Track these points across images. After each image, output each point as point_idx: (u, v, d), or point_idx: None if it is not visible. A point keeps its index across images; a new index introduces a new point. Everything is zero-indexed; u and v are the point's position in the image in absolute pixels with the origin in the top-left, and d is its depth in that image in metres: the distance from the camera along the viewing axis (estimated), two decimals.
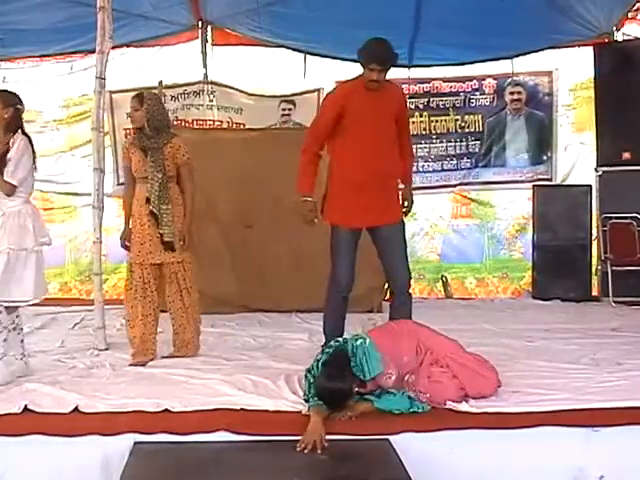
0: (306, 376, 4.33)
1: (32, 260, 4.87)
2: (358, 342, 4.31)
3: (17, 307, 4.96)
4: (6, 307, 4.86)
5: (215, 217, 7.29)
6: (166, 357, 5.52)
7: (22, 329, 5.10)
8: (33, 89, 8.79)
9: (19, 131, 4.93)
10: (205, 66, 9.08)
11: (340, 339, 4.49)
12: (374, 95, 5.14)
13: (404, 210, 5.46)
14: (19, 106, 4.99)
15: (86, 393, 4.56)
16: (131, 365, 5.33)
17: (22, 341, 5.05)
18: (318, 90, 9.20)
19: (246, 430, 4.06)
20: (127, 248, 5.53)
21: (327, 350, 4.33)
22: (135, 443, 3.96)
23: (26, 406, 4.27)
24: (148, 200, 5.35)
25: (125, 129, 8.56)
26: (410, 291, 5.43)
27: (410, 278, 5.42)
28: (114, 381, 4.94)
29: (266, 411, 4.29)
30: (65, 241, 9.40)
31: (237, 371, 5.08)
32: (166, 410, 4.27)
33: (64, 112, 9.29)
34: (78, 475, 3.98)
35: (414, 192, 5.59)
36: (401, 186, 5.50)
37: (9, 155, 4.81)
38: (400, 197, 5.45)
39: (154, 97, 5.56)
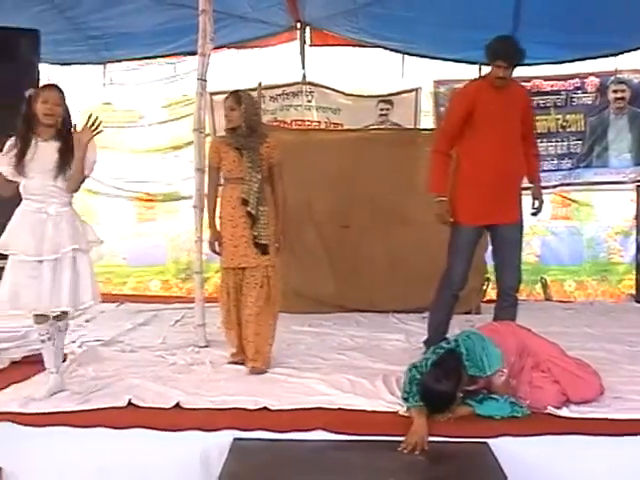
0: (410, 370, 4.27)
1: (85, 263, 4.57)
2: (475, 338, 4.28)
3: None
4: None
5: (312, 218, 7.32)
6: (232, 363, 5.39)
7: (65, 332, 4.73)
8: (136, 91, 9.06)
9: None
10: (303, 67, 9.14)
11: (451, 340, 4.40)
12: (501, 94, 5.18)
13: (534, 210, 5.49)
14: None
15: (187, 389, 4.65)
16: (230, 363, 5.37)
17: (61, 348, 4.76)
18: (416, 90, 9.19)
19: (343, 429, 4.06)
20: (217, 252, 5.40)
21: (437, 350, 4.27)
22: (234, 439, 4.01)
23: (130, 400, 4.40)
24: (244, 201, 5.21)
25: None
26: (517, 294, 5.41)
27: (520, 281, 5.41)
28: (214, 378, 5.01)
29: (363, 411, 4.29)
30: (167, 240, 9.62)
31: (334, 370, 5.09)
32: (264, 408, 4.32)
33: (166, 113, 9.50)
34: (179, 468, 4.04)
35: None
36: (529, 185, 5.52)
37: (87, 155, 4.51)
38: (531, 196, 5.49)
39: (250, 96, 5.44)
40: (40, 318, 4.55)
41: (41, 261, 4.42)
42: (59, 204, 4.51)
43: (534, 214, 5.52)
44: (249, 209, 5.19)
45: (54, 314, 4.53)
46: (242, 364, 5.29)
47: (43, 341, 4.60)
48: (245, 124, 5.25)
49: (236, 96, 5.30)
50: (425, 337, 5.60)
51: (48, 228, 4.45)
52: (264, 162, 5.27)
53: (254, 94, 7.70)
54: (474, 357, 4.16)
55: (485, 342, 4.24)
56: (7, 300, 4.44)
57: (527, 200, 5.50)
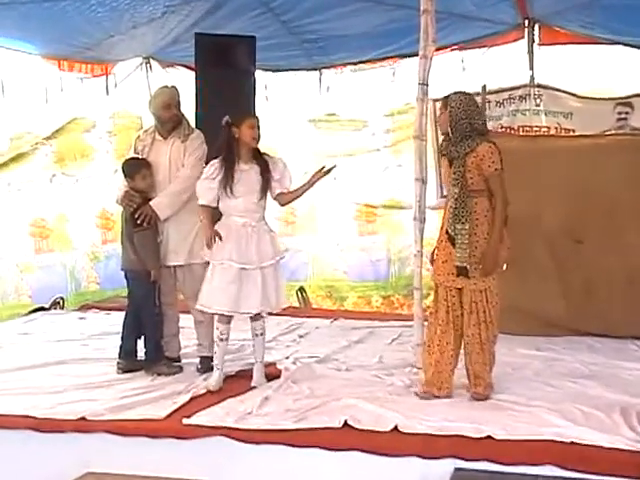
0: None
1: (279, 270, 5.45)
2: None
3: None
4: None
5: (541, 231, 7.09)
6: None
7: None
8: (356, 98, 9.21)
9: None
10: (532, 68, 8.93)
11: None
12: None
13: None
14: None
15: (405, 412, 4.66)
16: (418, 395, 5.11)
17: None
18: None
19: (576, 466, 3.93)
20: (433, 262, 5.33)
21: None
22: (455, 469, 3.98)
23: (346, 421, 4.46)
24: None
25: None
26: None
27: None
28: (433, 402, 4.99)
29: (599, 447, 4.12)
30: (389, 255, 9.69)
31: (566, 399, 4.94)
32: (489, 437, 4.25)
33: (389, 121, 9.60)
34: None
35: None
36: None
37: (279, 176, 5.39)
38: None
39: (460, 98, 5.14)
40: (224, 318, 5.39)
41: (244, 268, 5.22)
42: (259, 218, 5.38)
43: None
44: (446, 227, 5.09)
45: (247, 316, 5.41)
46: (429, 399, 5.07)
47: (222, 340, 5.42)
48: (451, 129, 5.11)
49: (444, 99, 5.22)
50: None
51: (253, 239, 5.29)
52: (472, 174, 5.00)
53: (478, 99, 7.61)
54: None
55: None
56: (206, 302, 5.33)
57: None
